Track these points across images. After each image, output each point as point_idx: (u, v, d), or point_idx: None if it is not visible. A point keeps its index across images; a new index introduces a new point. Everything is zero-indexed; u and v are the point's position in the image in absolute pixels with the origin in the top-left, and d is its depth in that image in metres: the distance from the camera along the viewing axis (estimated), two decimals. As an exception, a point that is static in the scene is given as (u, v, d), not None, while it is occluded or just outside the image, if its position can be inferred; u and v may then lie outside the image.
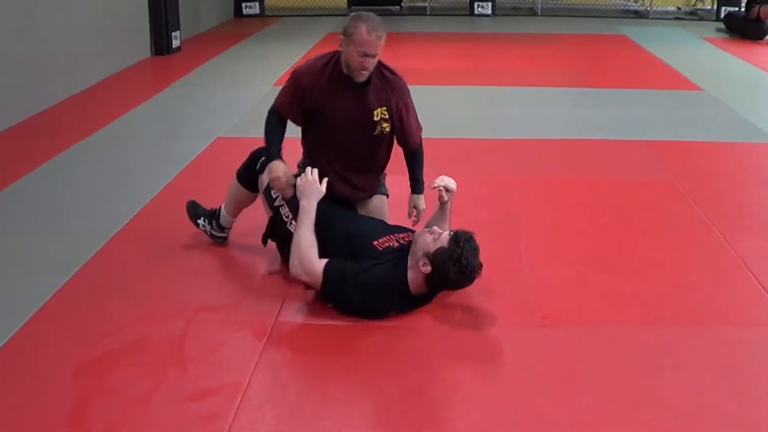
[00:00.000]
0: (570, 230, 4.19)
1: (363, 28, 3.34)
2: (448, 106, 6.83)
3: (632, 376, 2.87)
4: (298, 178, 3.46)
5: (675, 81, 7.88)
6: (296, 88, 3.59)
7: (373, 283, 3.18)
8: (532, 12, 13.13)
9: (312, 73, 3.57)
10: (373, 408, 2.73)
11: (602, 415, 2.66)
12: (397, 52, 9.32)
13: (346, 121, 3.55)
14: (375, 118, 3.54)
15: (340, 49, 3.47)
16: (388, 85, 3.55)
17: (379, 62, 3.51)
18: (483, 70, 8.44)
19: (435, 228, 3.31)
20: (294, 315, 3.29)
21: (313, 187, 3.39)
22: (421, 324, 3.22)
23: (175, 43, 9.18)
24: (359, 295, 3.19)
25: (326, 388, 2.82)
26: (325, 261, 3.24)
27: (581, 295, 3.48)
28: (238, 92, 7.27)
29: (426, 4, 13.17)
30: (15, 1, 6.20)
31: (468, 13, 12.72)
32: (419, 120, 3.70)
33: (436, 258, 3.16)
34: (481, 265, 3.21)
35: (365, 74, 3.45)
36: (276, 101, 3.67)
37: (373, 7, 12.92)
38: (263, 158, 3.65)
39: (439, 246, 3.18)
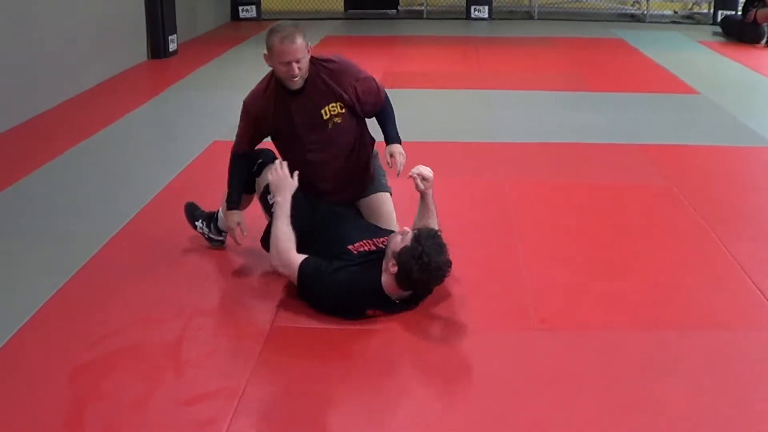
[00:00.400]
0: (567, 234, 4.19)
1: (276, 40, 3.38)
2: (444, 110, 6.84)
3: (629, 380, 2.87)
4: (269, 174, 3.48)
5: (671, 84, 7.89)
6: (249, 119, 3.63)
7: (343, 282, 3.20)
8: (528, 16, 13.14)
9: (257, 99, 3.60)
10: (369, 412, 2.72)
11: (599, 419, 2.66)
12: (393, 56, 9.36)
13: (303, 129, 3.57)
14: (324, 117, 3.54)
15: (269, 65, 3.48)
16: (332, 76, 3.53)
17: (315, 60, 3.50)
18: (479, 73, 8.45)
19: (406, 228, 3.31)
20: (290, 319, 3.28)
21: (285, 181, 3.42)
22: (417, 327, 3.21)
23: (172, 47, 9.18)
24: (332, 293, 3.20)
25: (323, 392, 2.81)
26: (303, 257, 3.27)
27: (578, 298, 3.49)
28: (235, 96, 7.15)
29: (423, 7, 13.16)
30: (13, 5, 6.21)
31: (464, 16, 12.70)
32: (377, 82, 3.67)
33: (400, 257, 3.15)
34: (449, 262, 3.17)
35: (298, 81, 3.45)
36: (236, 138, 3.69)
37: (369, 11, 12.99)
38: (260, 160, 3.66)
39: (403, 245, 3.18)
